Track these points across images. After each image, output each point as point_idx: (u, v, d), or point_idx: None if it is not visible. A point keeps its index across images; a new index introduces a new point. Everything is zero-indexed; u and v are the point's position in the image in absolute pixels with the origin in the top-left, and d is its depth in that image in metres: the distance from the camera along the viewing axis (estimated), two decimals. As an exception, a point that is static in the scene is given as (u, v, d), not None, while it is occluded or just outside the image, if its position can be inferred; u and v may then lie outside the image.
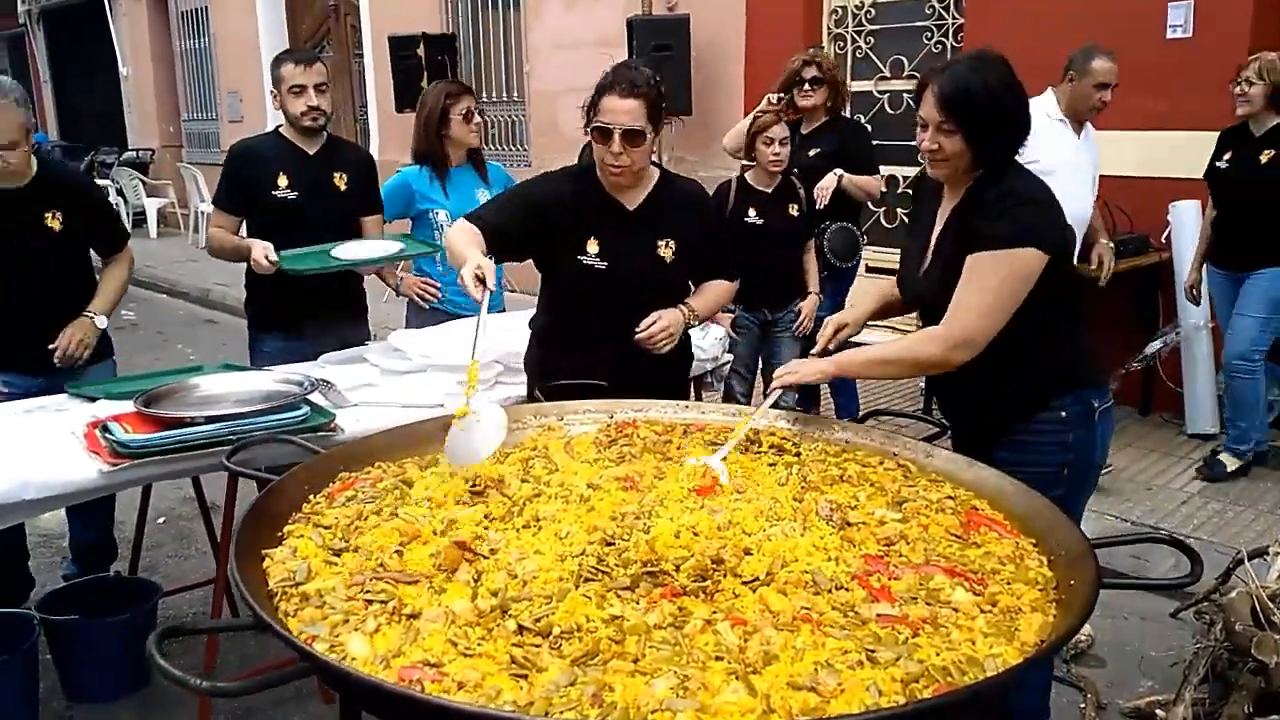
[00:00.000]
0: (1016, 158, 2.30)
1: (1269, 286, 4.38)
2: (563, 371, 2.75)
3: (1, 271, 3.20)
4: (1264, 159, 4.33)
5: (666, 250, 2.77)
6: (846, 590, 1.62)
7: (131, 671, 3.16)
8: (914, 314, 2.57)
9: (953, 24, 6.17)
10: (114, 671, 3.15)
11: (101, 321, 3.40)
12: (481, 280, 2.34)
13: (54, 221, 3.25)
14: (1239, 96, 4.34)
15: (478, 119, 3.96)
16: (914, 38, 6.42)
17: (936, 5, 6.25)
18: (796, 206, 4.29)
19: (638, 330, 2.68)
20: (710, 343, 3.65)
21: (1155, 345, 5.02)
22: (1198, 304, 4.77)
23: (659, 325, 2.69)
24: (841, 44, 6.77)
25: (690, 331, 3.64)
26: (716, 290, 2.92)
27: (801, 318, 4.31)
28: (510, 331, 3.18)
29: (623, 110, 2.59)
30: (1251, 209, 4.38)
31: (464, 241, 2.54)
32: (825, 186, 4.41)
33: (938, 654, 1.44)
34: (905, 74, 6.46)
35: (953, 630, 1.52)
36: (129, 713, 3.07)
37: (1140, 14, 5.12)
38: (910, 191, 6.56)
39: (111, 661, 3.14)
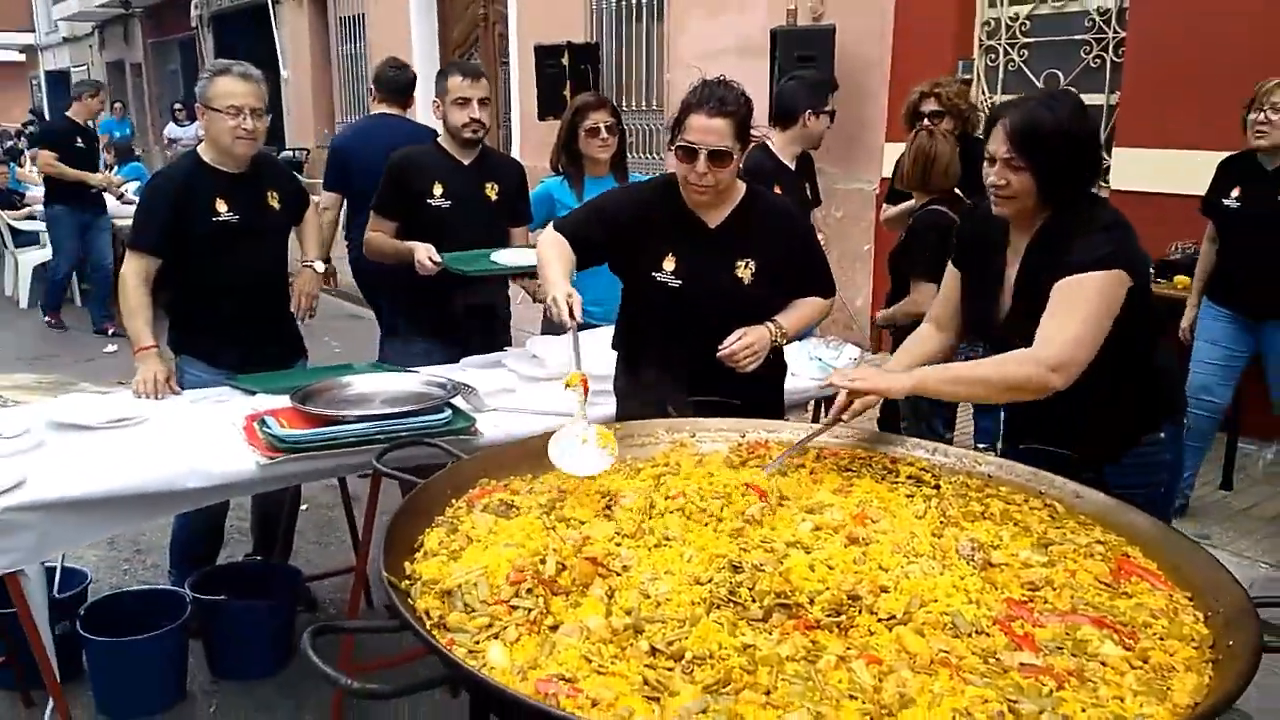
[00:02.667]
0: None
1: None
2: (643, 391, 2.69)
3: (234, 252, 3.28)
4: None
5: (745, 271, 2.69)
6: (987, 635, 1.58)
7: (273, 652, 3.32)
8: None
9: (1113, 39, 5.92)
10: (256, 651, 3.31)
11: (320, 265, 3.61)
12: (571, 309, 2.40)
13: (274, 201, 3.43)
14: (1259, 125, 3.94)
15: (605, 134, 3.91)
16: (1070, 51, 6.18)
17: (1096, 18, 6.01)
18: None
19: (720, 347, 2.61)
20: (844, 362, 3.60)
21: None
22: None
23: (743, 343, 2.61)
24: (993, 56, 6.58)
25: (823, 351, 3.63)
26: (808, 307, 2.82)
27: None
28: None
29: (710, 130, 2.52)
30: (1274, 251, 3.98)
31: (553, 263, 2.60)
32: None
33: (1083, 710, 1.39)
34: (1060, 89, 6.23)
35: (1100, 685, 1.46)
36: (267, 691, 3.22)
37: (1321, 31, 4.81)
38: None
39: (254, 641, 3.31)
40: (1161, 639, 1.60)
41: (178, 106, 16.41)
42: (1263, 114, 3.95)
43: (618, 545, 1.85)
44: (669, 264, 2.69)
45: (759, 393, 2.75)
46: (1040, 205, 2.26)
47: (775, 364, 2.86)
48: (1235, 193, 4.11)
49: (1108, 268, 2.13)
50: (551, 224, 2.81)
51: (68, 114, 8.35)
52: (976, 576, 1.75)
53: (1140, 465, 2.34)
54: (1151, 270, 4.18)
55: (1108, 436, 2.33)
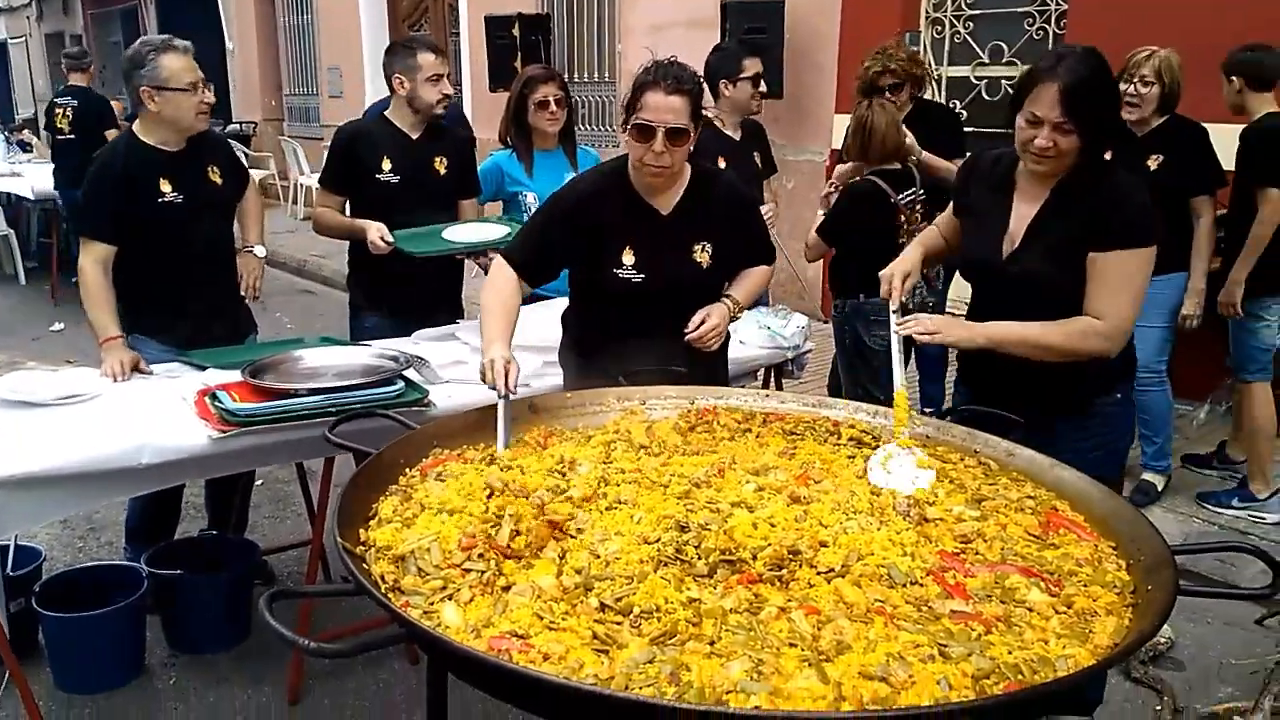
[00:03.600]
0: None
1: (1167, 294, 4.10)
2: (601, 375, 2.66)
3: (181, 231, 3.27)
4: (1152, 165, 4.02)
5: (703, 255, 2.71)
6: (921, 586, 1.65)
7: (231, 625, 3.34)
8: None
9: (1055, 10, 6.02)
10: (214, 625, 3.33)
11: (261, 251, 3.58)
12: (506, 377, 2.34)
13: (215, 176, 3.40)
14: (1129, 96, 3.98)
15: (555, 107, 3.92)
16: (1014, 23, 6.28)
17: (1039, -10, 6.12)
18: None
19: (687, 331, 2.66)
20: (791, 331, 3.67)
21: None
22: None
23: (709, 325, 2.67)
24: (939, 28, 6.66)
25: (771, 320, 3.70)
26: (755, 277, 2.88)
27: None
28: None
29: (667, 108, 2.49)
30: None
31: (495, 316, 2.54)
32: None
33: (1010, 652, 1.47)
34: (1004, 60, 6.34)
35: (1026, 629, 1.54)
36: (227, 663, 3.25)
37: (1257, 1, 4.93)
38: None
39: (211, 615, 3.33)
40: (1085, 586, 1.68)
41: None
42: (1132, 86, 4.01)
43: (574, 511, 1.90)
44: (628, 258, 2.66)
45: (709, 365, 2.79)
46: (1073, 161, 2.32)
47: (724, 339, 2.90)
48: (1106, 158, 4.20)
49: (1148, 244, 2.30)
50: (500, 255, 2.77)
51: (80, 85, 8.08)
52: (912, 531, 1.83)
53: (1092, 428, 2.44)
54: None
55: (1067, 397, 2.42)
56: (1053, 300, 2.33)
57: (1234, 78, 4.10)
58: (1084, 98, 2.20)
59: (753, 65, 4.46)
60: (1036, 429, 2.29)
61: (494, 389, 2.35)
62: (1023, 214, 2.42)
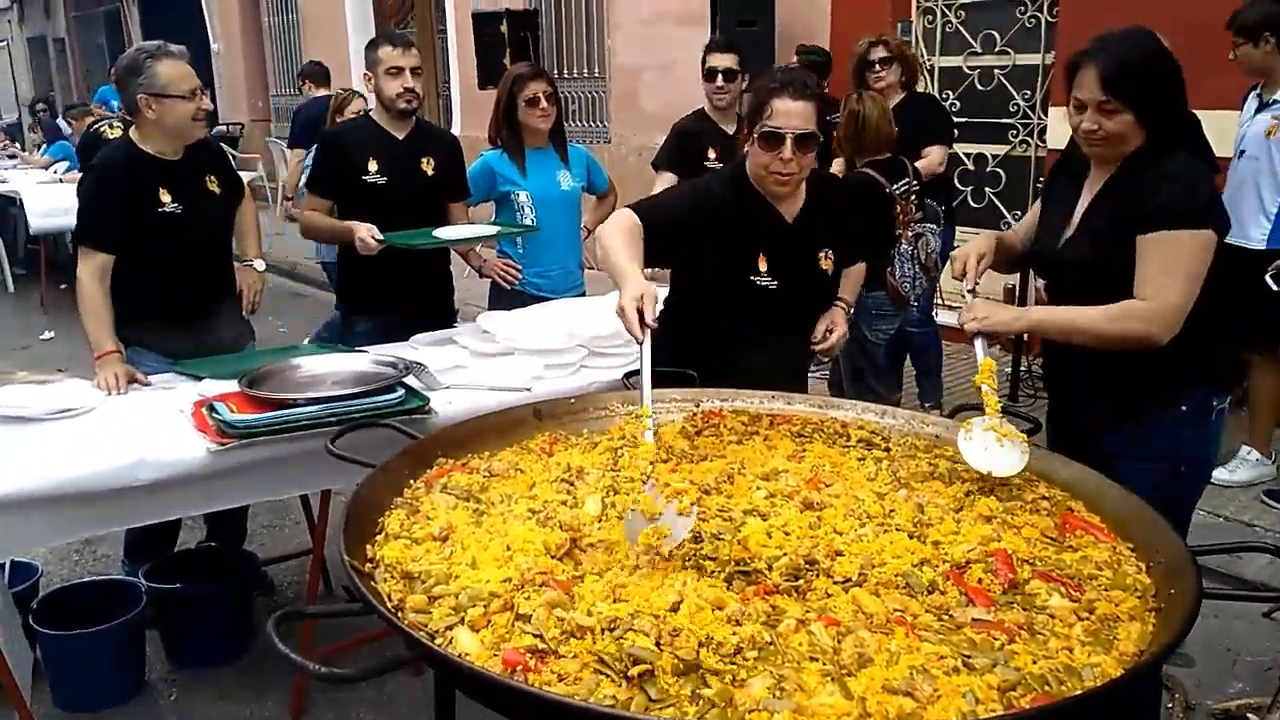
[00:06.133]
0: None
1: None
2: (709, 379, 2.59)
3: (180, 241, 3.21)
4: None
5: (827, 262, 2.72)
6: (941, 593, 1.62)
7: (232, 638, 3.30)
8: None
9: (1047, -2, 6.00)
10: (215, 638, 3.29)
11: (260, 265, 3.55)
12: (642, 316, 2.07)
13: (214, 186, 3.35)
14: None
15: (545, 104, 3.87)
16: (1006, 12, 6.26)
17: (1030, -22, 6.09)
18: None
19: (815, 342, 2.73)
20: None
21: None
22: None
23: (838, 334, 2.74)
24: (931, 18, 6.63)
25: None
26: (856, 276, 2.92)
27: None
28: (597, 316, 3.21)
29: (796, 113, 2.48)
30: None
31: (624, 250, 2.32)
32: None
33: (1034, 662, 1.44)
34: (996, 49, 6.31)
35: (1050, 638, 1.51)
36: (229, 678, 3.20)
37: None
38: (1000, 171, 6.44)
39: (212, 629, 3.29)
40: (1106, 590, 1.65)
41: (41, 107, 15.45)
42: None
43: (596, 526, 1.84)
44: (763, 264, 2.63)
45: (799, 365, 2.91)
46: (1134, 142, 2.22)
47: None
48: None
49: (1201, 227, 2.13)
50: (628, 205, 2.59)
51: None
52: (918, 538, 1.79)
53: (1144, 438, 2.27)
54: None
55: (1119, 401, 2.30)
56: (1104, 288, 2.19)
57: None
58: (1126, 75, 2.15)
59: (717, 60, 4.38)
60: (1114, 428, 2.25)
61: (631, 334, 2.11)
62: (1083, 202, 2.34)
